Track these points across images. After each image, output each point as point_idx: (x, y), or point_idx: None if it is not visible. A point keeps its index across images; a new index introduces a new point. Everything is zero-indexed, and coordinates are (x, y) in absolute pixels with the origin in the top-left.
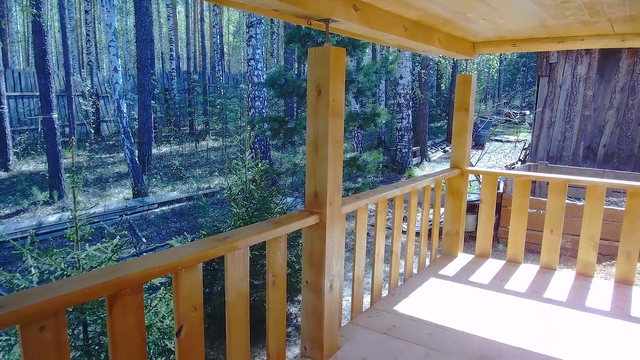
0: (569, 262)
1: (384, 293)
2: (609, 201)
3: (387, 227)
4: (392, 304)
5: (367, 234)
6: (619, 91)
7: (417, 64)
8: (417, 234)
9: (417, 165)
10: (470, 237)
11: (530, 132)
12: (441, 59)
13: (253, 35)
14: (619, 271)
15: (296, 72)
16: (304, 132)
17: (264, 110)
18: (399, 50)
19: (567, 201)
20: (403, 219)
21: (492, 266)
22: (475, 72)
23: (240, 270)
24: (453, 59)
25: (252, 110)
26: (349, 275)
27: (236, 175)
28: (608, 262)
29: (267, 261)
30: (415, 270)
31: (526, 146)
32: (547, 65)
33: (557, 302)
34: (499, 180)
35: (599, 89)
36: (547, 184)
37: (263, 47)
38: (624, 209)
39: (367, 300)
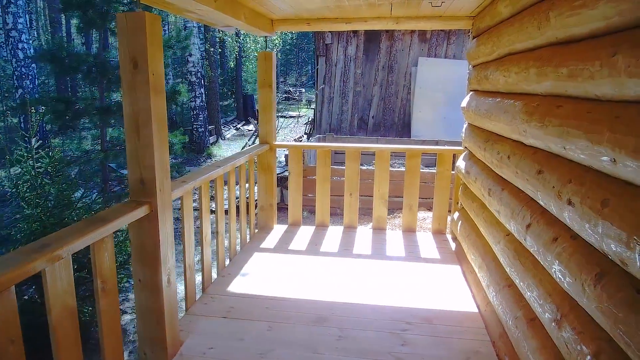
0: (364, 219)
1: (214, 276)
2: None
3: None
4: (225, 285)
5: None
6: (381, 69)
7: (203, 42)
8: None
9: (214, 144)
10: (278, 208)
11: (309, 108)
12: (227, 37)
13: (12, 1)
14: (405, 221)
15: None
16: (94, 113)
17: (35, 90)
18: (186, 27)
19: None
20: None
21: (306, 233)
22: (260, 51)
23: (64, 282)
24: (239, 38)
25: (21, 90)
26: (178, 265)
27: (20, 168)
28: (392, 215)
29: (94, 265)
30: (238, 248)
31: (309, 120)
32: (324, 46)
33: (364, 256)
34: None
35: (365, 67)
36: (324, 151)
37: (27, 15)
38: (401, 169)
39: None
